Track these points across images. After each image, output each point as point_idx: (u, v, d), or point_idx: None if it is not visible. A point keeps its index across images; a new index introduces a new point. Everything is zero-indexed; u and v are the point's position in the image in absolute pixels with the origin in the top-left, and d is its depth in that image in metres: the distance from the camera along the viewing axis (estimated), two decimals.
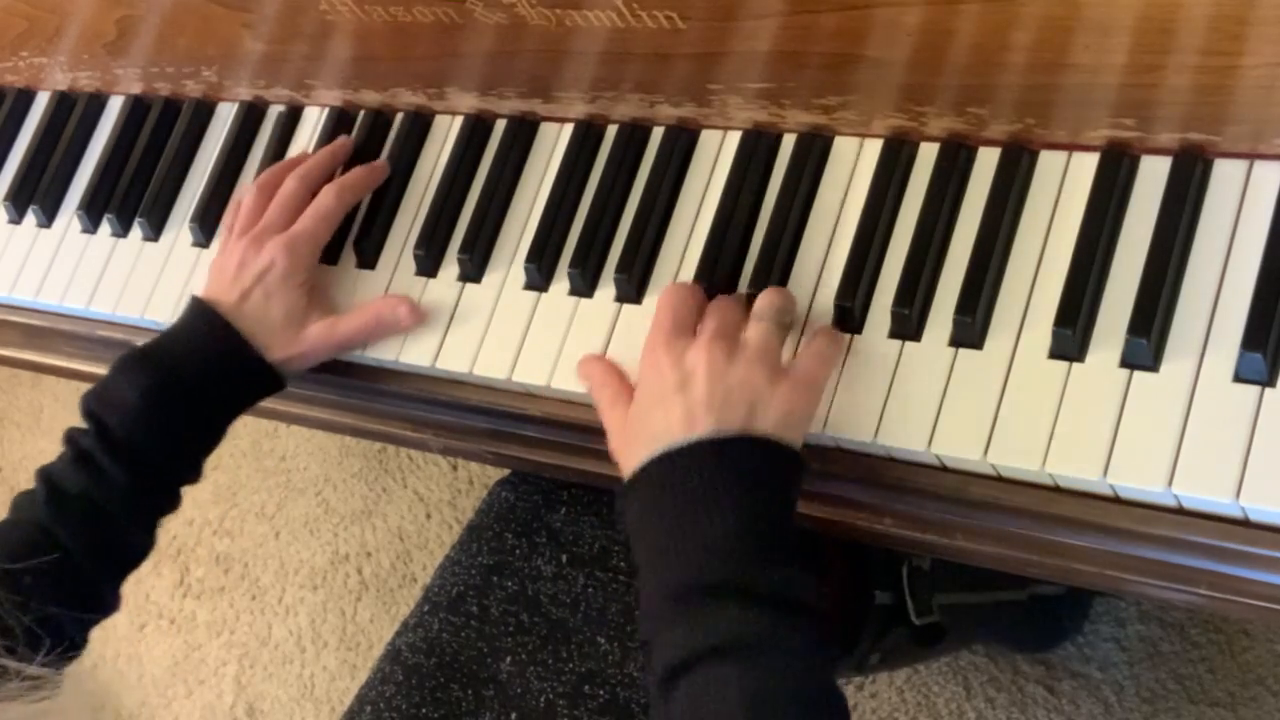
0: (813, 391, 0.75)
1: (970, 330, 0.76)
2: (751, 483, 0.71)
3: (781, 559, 0.69)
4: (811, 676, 0.67)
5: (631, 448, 0.75)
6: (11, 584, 0.82)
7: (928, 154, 0.81)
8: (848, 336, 0.79)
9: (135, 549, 0.89)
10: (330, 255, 0.96)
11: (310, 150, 1.01)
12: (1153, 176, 0.75)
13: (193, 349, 0.88)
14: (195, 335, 0.89)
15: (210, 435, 0.90)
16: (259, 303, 0.89)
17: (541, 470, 0.93)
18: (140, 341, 1.03)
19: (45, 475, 0.86)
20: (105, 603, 0.88)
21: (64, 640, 0.85)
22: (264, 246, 0.90)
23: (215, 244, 1.02)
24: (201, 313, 0.90)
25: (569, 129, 0.93)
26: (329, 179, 0.95)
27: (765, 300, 0.78)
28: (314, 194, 0.94)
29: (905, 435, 0.76)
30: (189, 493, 0.91)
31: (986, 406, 0.74)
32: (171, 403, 0.87)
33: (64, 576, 0.84)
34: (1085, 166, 0.77)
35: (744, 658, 0.66)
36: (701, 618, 0.67)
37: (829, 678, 0.68)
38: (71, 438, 0.87)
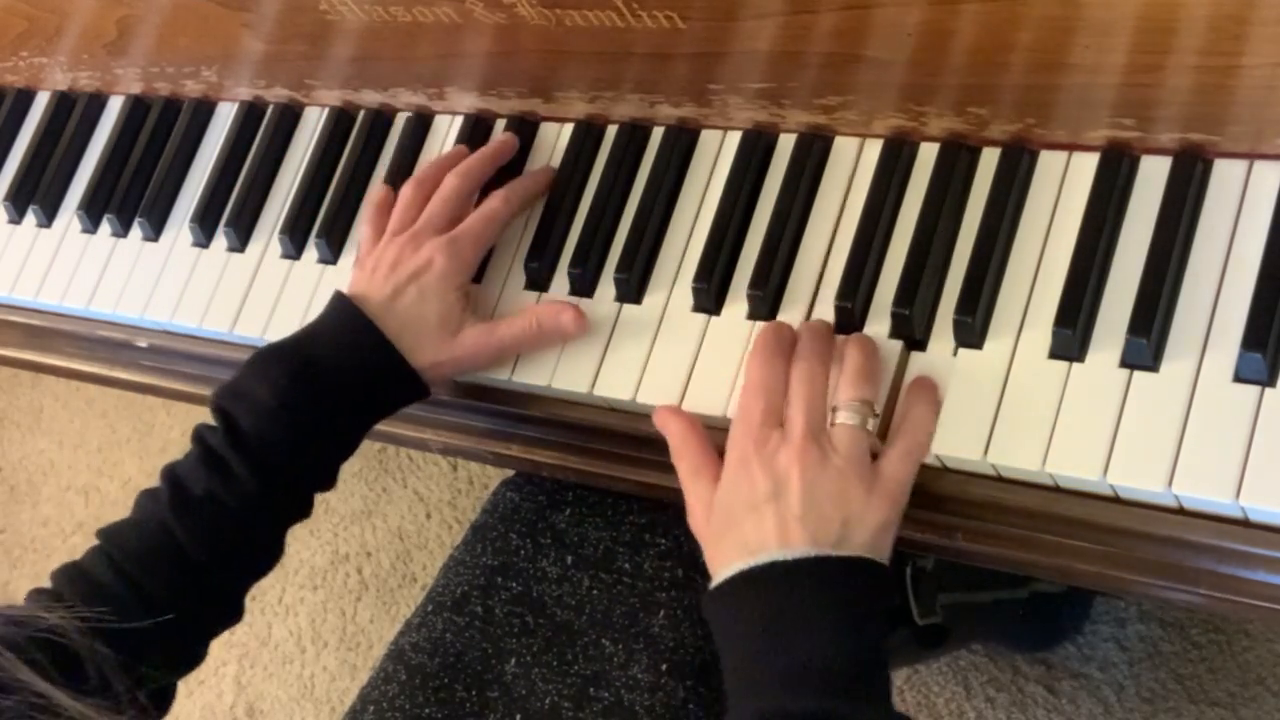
0: (903, 497, 0.74)
1: (970, 330, 0.76)
2: (848, 608, 0.70)
3: (871, 689, 0.69)
4: None
5: (720, 547, 0.74)
6: (130, 591, 0.79)
7: (928, 154, 0.81)
8: (933, 424, 0.75)
9: (261, 556, 0.85)
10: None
11: (309, 150, 1.01)
12: (1153, 176, 0.75)
13: (334, 347, 0.82)
14: (337, 332, 0.83)
15: (346, 441, 0.84)
16: (412, 303, 0.84)
17: (541, 470, 0.93)
18: (140, 342, 1.04)
19: (171, 474, 0.81)
20: (230, 611, 0.84)
21: (186, 656, 0.83)
22: (423, 245, 0.85)
23: (215, 244, 1.02)
24: (345, 309, 0.84)
25: (569, 129, 0.93)
26: (487, 177, 0.91)
27: (850, 390, 0.75)
28: (474, 193, 0.90)
29: None
30: None
31: (986, 406, 0.74)
32: (308, 403, 0.81)
33: (188, 584, 0.80)
34: (1085, 166, 0.77)
35: None
36: None
37: None
38: (200, 435, 0.82)
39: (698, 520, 0.77)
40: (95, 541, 0.82)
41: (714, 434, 0.79)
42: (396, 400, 0.86)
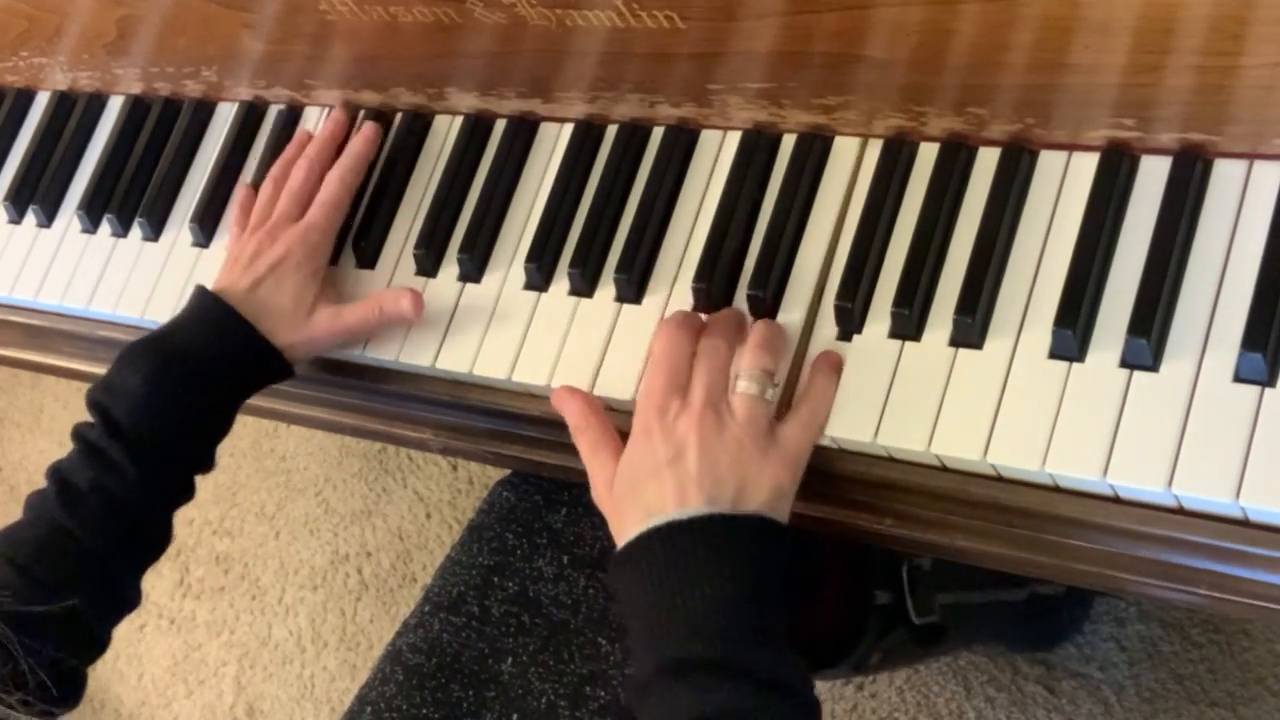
0: (800, 463, 0.76)
1: (970, 330, 0.76)
2: (743, 561, 0.72)
3: (770, 638, 0.71)
4: None
5: (624, 515, 0.76)
6: (30, 585, 0.82)
7: (928, 154, 0.81)
8: (835, 389, 0.78)
9: (154, 541, 0.88)
10: (331, 255, 0.96)
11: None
12: (1153, 176, 0.75)
13: (196, 333, 0.88)
14: (199, 320, 0.89)
15: (218, 422, 0.89)
16: (270, 289, 0.90)
17: (541, 470, 0.93)
18: None
19: (55, 472, 0.86)
20: (128, 597, 0.88)
21: (90, 643, 0.86)
22: (279, 237, 0.91)
23: (215, 244, 1.02)
24: (205, 299, 0.89)
25: (569, 129, 0.93)
26: (334, 158, 0.96)
27: (751, 359, 0.78)
28: (321, 176, 0.95)
29: (905, 435, 0.76)
30: None
31: (986, 406, 0.74)
32: (176, 388, 0.86)
33: (85, 572, 0.84)
34: (1085, 166, 0.77)
35: None
36: (692, 692, 0.69)
37: None
38: (79, 432, 0.86)
39: (599, 493, 0.79)
40: None
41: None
42: (261, 379, 0.91)
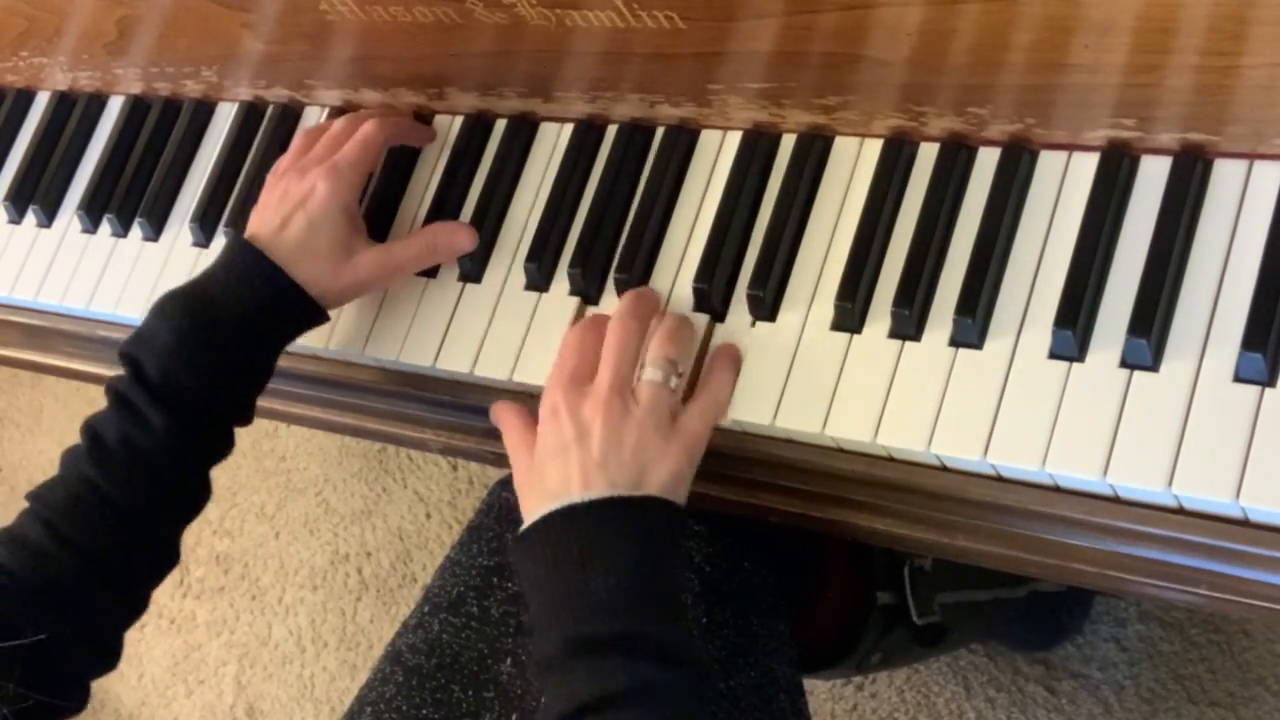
0: (698, 450, 0.79)
1: (970, 330, 0.76)
2: (642, 542, 0.75)
3: (670, 614, 0.74)
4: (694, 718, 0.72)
5: (530, 496, 0.78)
6: (62, 545, 0.80)
7: (928, 154, 0.81)
8: (731, 385, 0.80)
9: (190, 497, 0.86)
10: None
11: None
12: (1153, 176, 0.75)
13: (229, 282, 0.85)
14: (231, 267, 0.86)
15: (252, 372, 0.87)
16: (300, 230, 0.87)
17: None
18: None
19: (87, 426, 0.83)
20: (164, 556, 0.86)
21: (133, 595, 0.85)
22: (307, 174, 0.89)
23: (215, 244, 1.02)
24: (237, 245, 0.87)
25: (569, 129, 0.93)
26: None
27: (658, 350, 0.80)
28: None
29: (905, 435, 0.76)
30: None
31: (986, 406, 0.74)
32: (208, 338, 0.83)
33: (117, 530, 0.82)
34: (1085, 166, 0.77)
35: (636, 704, 0.70)
36: (595, 668, 0.71)
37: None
38: (111, 385, 0.84)
39: (520, 481, 0.81)
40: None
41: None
42: (297, 325, 0.88)
